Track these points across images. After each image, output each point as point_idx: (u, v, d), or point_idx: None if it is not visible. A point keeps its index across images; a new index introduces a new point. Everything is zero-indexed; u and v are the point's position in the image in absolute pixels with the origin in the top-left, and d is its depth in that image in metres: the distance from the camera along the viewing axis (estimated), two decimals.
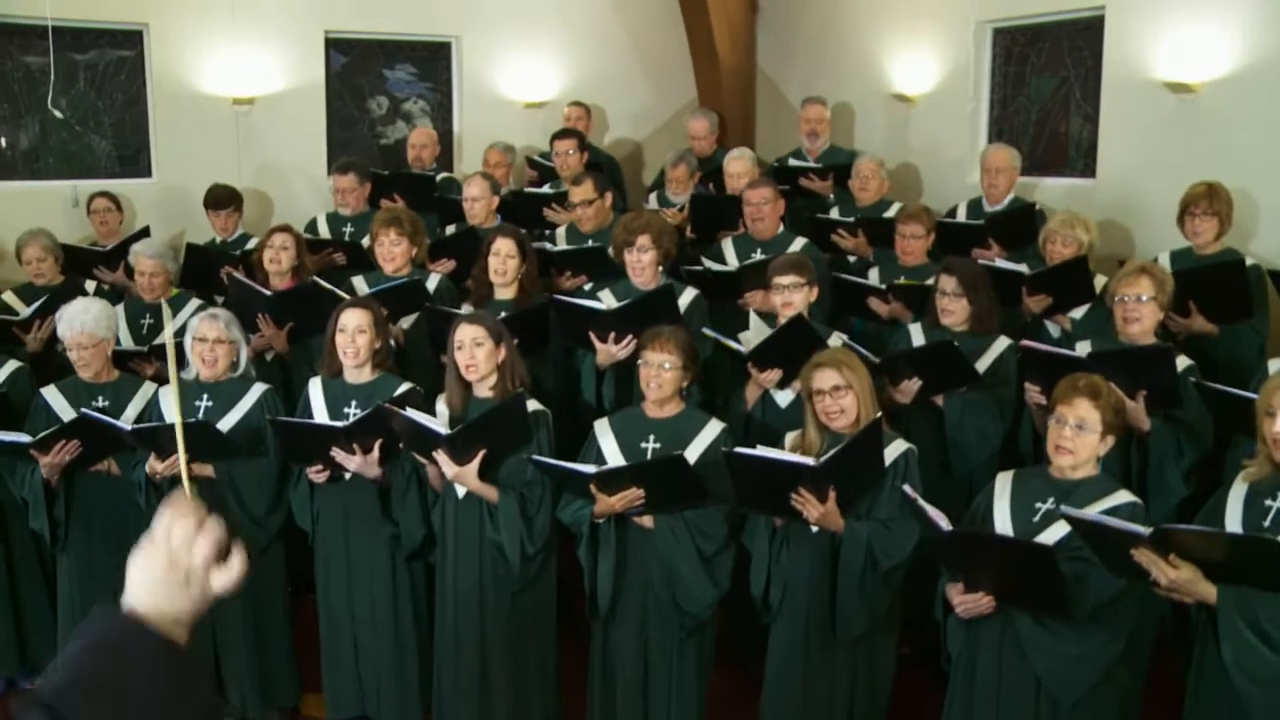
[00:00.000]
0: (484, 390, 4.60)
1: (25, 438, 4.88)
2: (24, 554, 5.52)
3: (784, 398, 5.10)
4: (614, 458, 4.47)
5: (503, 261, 5.59)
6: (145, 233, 7.19)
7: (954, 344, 4.98)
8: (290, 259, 6.08)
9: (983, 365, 5.15)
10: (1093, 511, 3.59)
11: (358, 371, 4.87)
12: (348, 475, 4.77)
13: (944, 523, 3.69)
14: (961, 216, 6.91)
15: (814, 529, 4.22)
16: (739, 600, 4.74)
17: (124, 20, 8.12)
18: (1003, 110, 7.94)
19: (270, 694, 5.22)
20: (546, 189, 7.64)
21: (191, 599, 1.57)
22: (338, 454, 4.62)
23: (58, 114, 7.66)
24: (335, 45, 8.88)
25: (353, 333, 4.80)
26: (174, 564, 1.56)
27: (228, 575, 1.61)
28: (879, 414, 4.22)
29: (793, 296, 5.16)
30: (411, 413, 4.40)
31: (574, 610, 5.26)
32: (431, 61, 9.24)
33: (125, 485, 5.09)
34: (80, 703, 1.42)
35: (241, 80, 8.35)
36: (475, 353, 4.52)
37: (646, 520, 4.38)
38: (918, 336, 5.48)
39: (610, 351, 5.27)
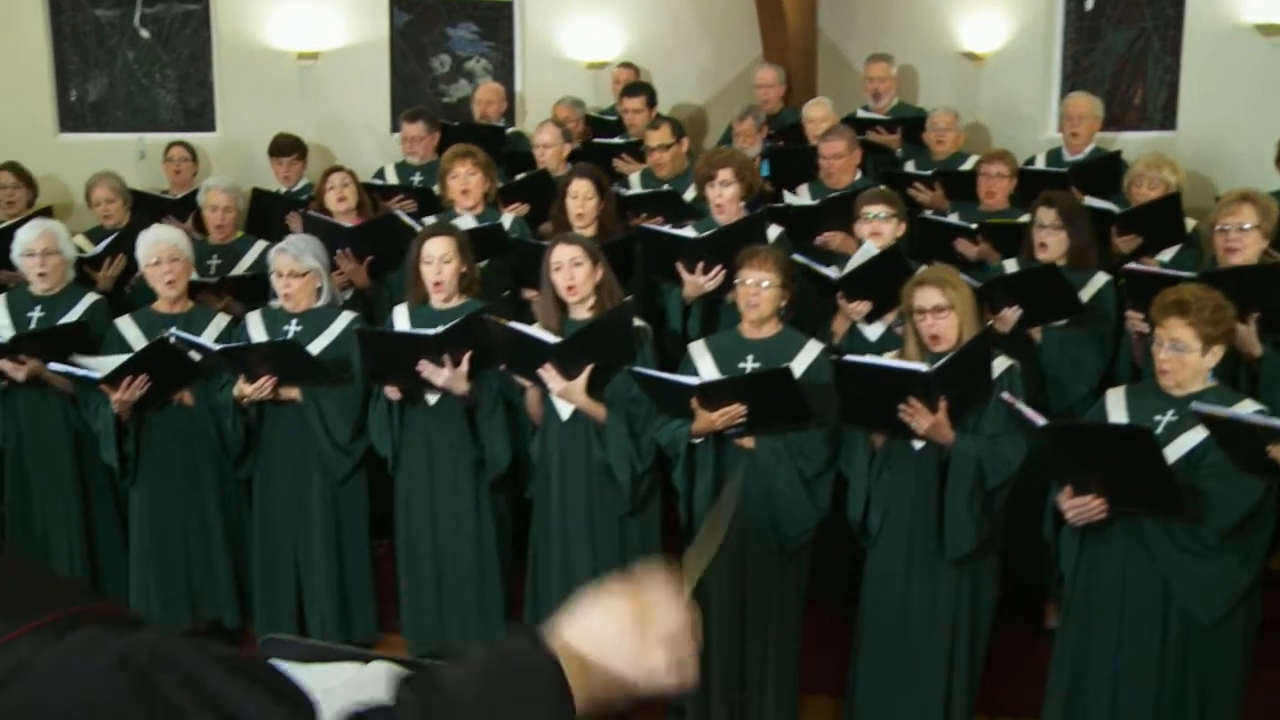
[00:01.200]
0: (582, 312, 4.52)
1: (94, 372, 4.83)
2: (99, 488, 5.48)
3: (873, 331, 4.97)
4: (712, 377, 4.36)
5: (581, 203, 5.49)
6: None
7: (1057, 267, 4.86)
8: (354, 195, 6.07)
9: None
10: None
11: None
12: (431, 400, 4.70)
13: (1041, 421, 3.62)
14: (1041, 167, 6.79)
15: (917, 447, 4.13)
16: (827, 539, 4.68)
17: None
18: (1076, 66, 7.82)
19: (350, 629, 5.15)
20: (616, 140, 7.56)
21: (625, 688, 1.31)
22: (426, 367, 4.51)
23: (144, 33, 7.65)
24: (399, 2, 8.83)
25: (438, 262, 4.71)
26: (645, 645, 1.31)
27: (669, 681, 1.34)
28: (989, 323, 4.13)
29: (882, 227, 5.06)
30: (516, 324, 4.32)
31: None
32: (493, 20, 9.18)
33: (197, 420, 5.06)
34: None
35: (306, 35, 8.34)
36: (575, 273, 4.44)
37: (747, 441, 4.28)
38: None
39: (698, 283, 5.17)
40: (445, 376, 4.53)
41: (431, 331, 4.50)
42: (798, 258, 5.08)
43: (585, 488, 4.54)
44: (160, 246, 4.99)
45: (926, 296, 4.16)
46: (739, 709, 4.55)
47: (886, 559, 4.30)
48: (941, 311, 4.12)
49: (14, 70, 7.63)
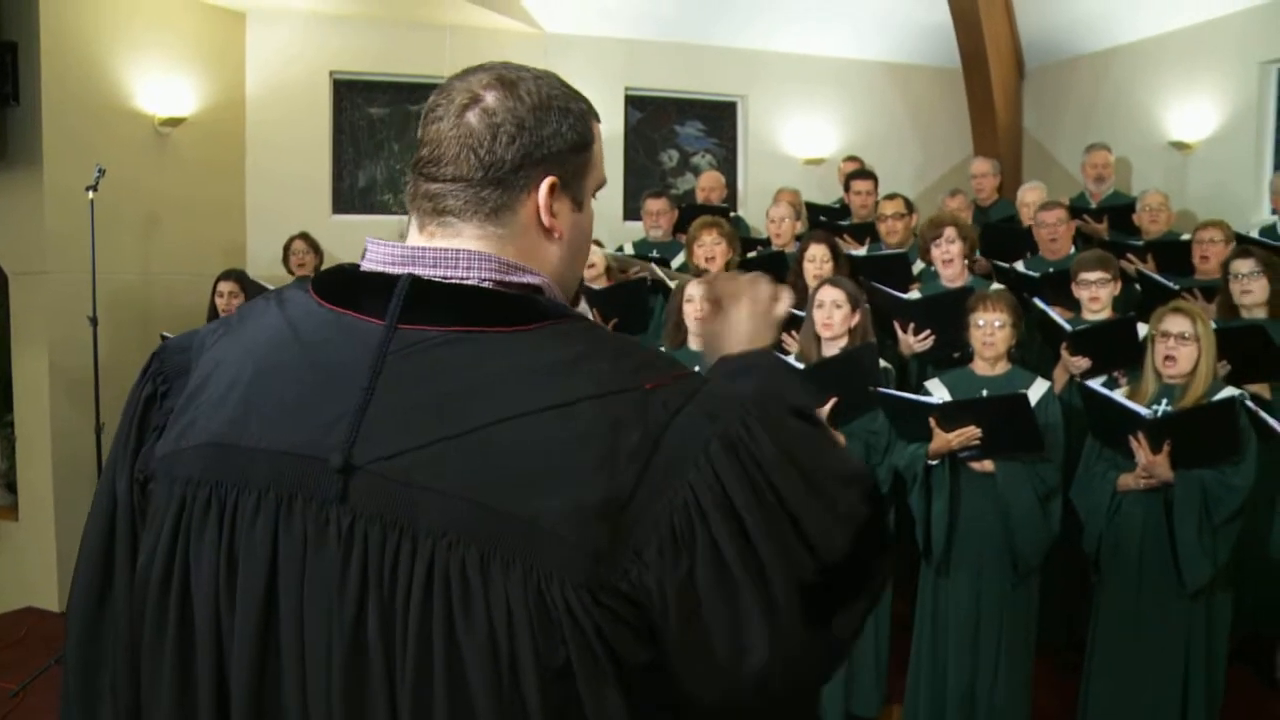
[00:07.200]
0: (833, 349, 4.93)
1: None
2: None
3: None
4: None
5: (818, 266, 5.86)
6: None
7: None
8: (602, 262, 6.73)
9: None
10: None
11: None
12: None
13: None
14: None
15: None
16: (1051, 589, 4.89)
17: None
18: None
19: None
20: (841, 222, 8.03)
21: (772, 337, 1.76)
22: None
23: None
24: (633, 101, 9.68)
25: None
26: (764, 314, 1.73)
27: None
28: (1239, 395, 4.30)
29: (1099, 292, 5.25)
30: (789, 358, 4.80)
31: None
32: (719, 119, 9.94)
33: None
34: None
35: None
36: (834, 314, 4.88)
37: (987, 464, 4.53)
38: None
39: (909, 342, 5.54)
40: None
41: None
42: (1038, 302, 5.37)
43: None
44: None
45: (1175, 322, 4.37)
46: None
47: (1117, 592, 4.45)
48: (1185, 340, 4.33)
49: (302, 160, 8.59)
